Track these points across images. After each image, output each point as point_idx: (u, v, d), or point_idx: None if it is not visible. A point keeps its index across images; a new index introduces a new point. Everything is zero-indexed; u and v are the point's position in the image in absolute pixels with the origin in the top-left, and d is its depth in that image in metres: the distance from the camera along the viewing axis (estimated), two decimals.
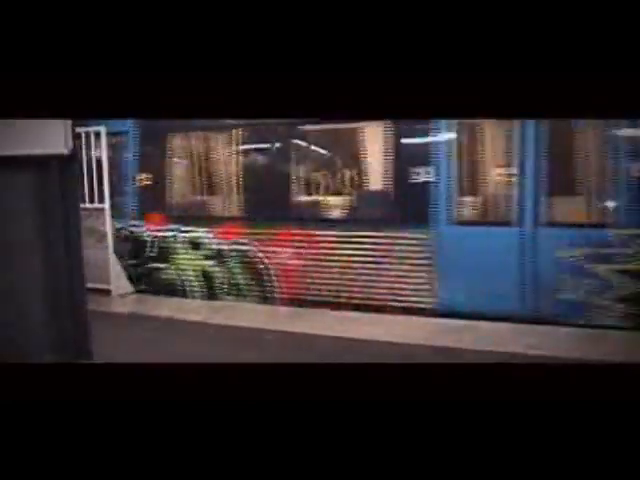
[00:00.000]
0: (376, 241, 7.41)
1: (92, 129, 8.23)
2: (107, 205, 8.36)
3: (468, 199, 7.18)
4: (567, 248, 6.48)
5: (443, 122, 7.06)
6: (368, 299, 7.48)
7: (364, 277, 7.50)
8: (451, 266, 7.01)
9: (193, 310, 7.79)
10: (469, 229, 7.03)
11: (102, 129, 8.28)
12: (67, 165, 3.96)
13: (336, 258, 7.67)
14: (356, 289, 7.56)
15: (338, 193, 7.98)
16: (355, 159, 7.90)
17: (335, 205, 7.90)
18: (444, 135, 7.11)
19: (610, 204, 6.38)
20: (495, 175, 7.10)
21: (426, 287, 7.19)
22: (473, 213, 7.19)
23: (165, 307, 7.97)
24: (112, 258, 8.47)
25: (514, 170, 6.82)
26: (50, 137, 3.85)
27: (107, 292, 8.33)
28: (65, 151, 3.89)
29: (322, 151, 8.23)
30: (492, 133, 7.13)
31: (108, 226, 8.40)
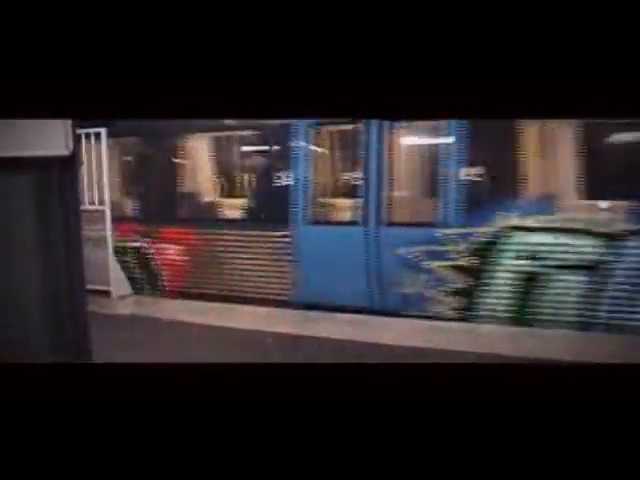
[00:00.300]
0: (247, 239, 8.02)
1: (92, 130, 8.24)
2: (107, 207, 8.38)
3: (322, 200, 7.77)
4: (406, 246, 6.98)
5: (302, 127, 7.55)
6: (239, 291, 8.10)
7: (236, 272, 8.14)
8: (307, 262, 7.63)
9: (193, 311, 7.80)
10: (322, 228, 7.61)
11: (103, 130, 8.28)
12: (68, 166, 3.96)
13: (213, 255, 8.32)
14: (228, 283, 8.20)
15: (219, 196, 8.74)
16: (234, 165, 8.76)
17: (215, 207, 8.54)
18: (301, 140, 7.60)
19: (443, 205, 6.87)
20: (345, 178, 7.68)
21: (286, 281, 7.82)
22: (325, 214, 7.76)
23: (165, 308, 7.99)
24: (112, 260, 8.48)
25: (360, 173, 7.33)
26: (50, 138, 3.84)
27: (107, 294, 8.35)
28: (66, 152, 3.88)
29: (209, 157, 8.81)
30: (342, 138, 7.73)
31: (108, 228, 8.41)
